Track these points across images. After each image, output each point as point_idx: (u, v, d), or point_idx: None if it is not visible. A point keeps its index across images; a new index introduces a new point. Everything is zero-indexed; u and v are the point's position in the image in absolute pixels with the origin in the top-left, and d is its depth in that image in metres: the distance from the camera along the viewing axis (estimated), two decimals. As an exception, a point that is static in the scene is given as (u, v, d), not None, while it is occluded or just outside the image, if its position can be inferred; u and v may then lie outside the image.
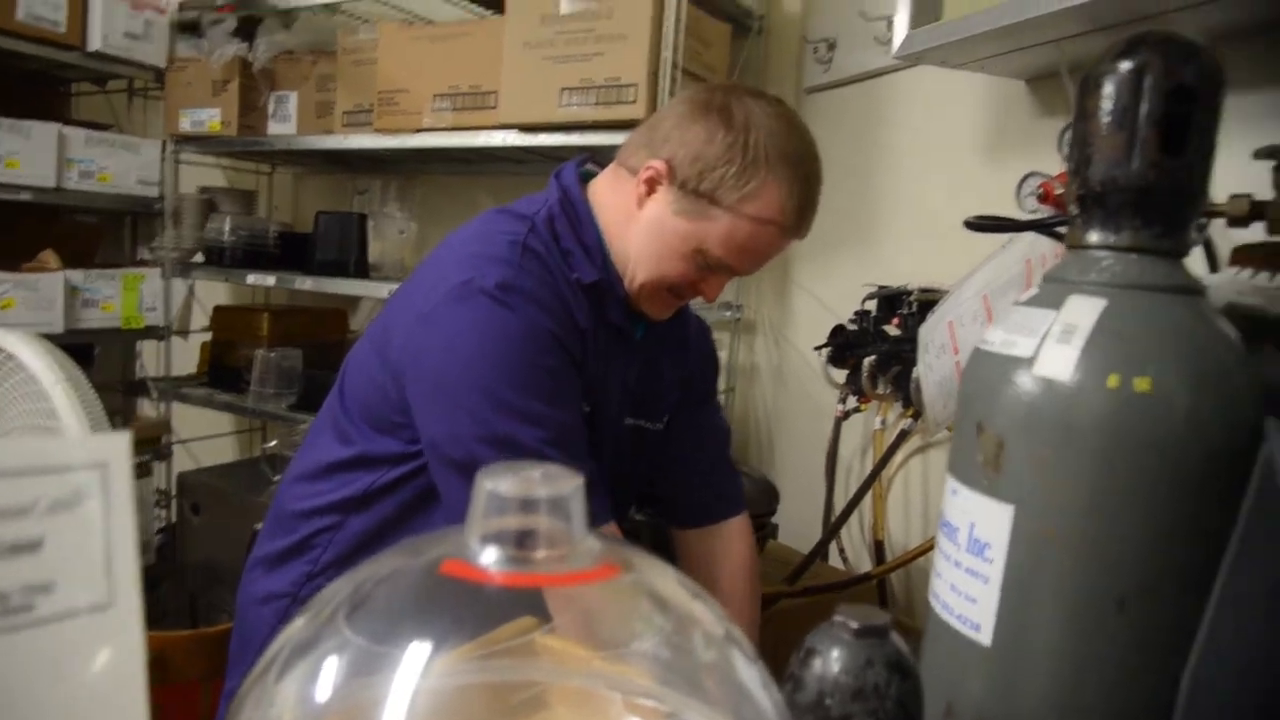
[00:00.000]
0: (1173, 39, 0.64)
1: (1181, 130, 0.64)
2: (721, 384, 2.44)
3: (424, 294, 1.24)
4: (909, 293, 1.75)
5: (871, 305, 1.86)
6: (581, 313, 1.26)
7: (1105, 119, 0.65)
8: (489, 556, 0.42)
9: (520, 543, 0.42)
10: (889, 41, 1.59)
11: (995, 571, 0.67)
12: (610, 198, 1.33)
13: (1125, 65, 0.64)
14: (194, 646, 1.46)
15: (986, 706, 0.68)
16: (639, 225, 1.28)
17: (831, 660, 0.57)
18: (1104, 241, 0.68)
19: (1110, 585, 0.62)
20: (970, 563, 0.69)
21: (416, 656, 0.43)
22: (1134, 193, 0.65)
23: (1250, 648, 0.61)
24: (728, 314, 2.47)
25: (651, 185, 1.27)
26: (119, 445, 0.30)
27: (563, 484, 0.42)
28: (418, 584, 0.47)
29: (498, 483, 0.41)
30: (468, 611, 0.45)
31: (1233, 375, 0.63)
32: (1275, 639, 0.61)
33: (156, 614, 3.05)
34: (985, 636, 0.67)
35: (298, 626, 0.46)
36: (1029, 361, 0.65)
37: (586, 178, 1.37)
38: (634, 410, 1.41)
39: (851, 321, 1.88)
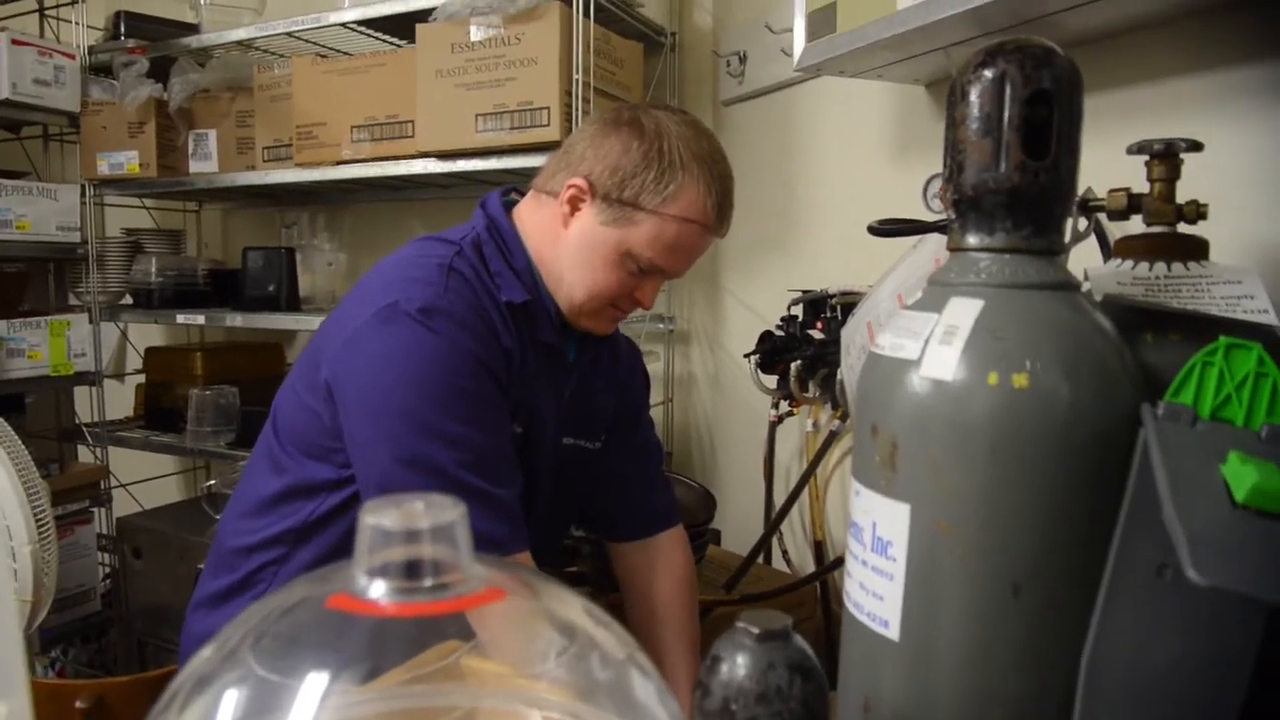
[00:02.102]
0: (1028, 47, 0.67)
1: (1043, 133, 0.67)
2: (659, 395, 2.46)
3: (351, 317, 1.25)
4: (830, 296, 1.78)
5: (797, 310, 1.88)
6: (508, 334, 1.27)
7: (972, 126, 0.68)
8: (377, 589, 0.43)
9: (409, 573, 0.43)
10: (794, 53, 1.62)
11: (898, 569, 0.68)
12: (535, 221, 1.35)
13: (985, 75, 0.67)
14: (135, 691, 1.44)
15: (901, 700, 0.69)
16: (568, 244, 1.31)
17: (736, 666, 0.59)
18: (981, 244, 0.70)
19: (1005, 573, 0.64)
20: (875, 561, 0.70)
21: (318, 688, 0.44)
22: (1004, 195, 0.68)
23: (1141, 628, 0.63)
24: (660, 326, 2.48)
25: (575, 203, 1.29)
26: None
27: (445, 513, 0.43)
28: (321, 615, 0.47)
29: (380, 517, 0.42)
30: (372, 641, 0.45)
31: (1109, 365, 0.65)
32: (1161, 619, 0.63)
33: (106, 660, 3.01)
34: (894, 632, 0.69)
35: (204, 658, 0.46)
36: (916, 363, 0.67)
37: (510, 206, 1.39)
38: (572, 430, 1.43)
39: (779, 327, 1.89)
